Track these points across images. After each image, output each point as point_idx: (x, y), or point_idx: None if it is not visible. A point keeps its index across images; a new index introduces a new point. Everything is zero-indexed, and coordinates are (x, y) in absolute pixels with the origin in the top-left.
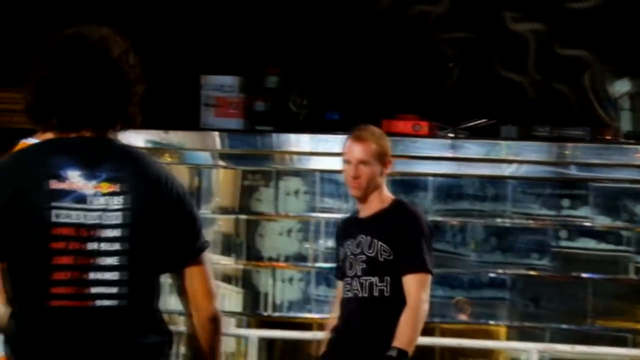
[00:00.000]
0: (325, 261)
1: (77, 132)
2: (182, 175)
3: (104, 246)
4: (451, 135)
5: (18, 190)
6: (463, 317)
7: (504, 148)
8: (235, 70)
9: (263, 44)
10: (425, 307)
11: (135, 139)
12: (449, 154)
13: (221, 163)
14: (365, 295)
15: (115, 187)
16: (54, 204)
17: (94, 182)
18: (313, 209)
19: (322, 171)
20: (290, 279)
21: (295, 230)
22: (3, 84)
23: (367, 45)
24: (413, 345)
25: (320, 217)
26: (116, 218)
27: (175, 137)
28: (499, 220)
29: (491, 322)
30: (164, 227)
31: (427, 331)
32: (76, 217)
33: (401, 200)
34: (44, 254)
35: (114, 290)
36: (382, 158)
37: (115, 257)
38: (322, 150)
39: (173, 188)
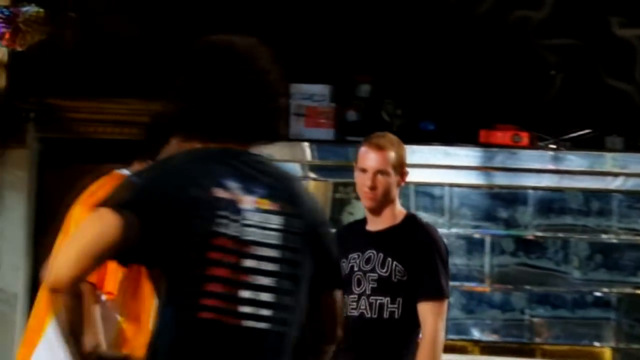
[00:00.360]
0: None
1: (223, 144)
2: None
3: (261, 265)
4: (553, 146)
5: (183, 194)
6: None
7: (609, 160)
8: (325, 79)
9: (354, 51)
10: (442, 336)
11: None
12: (551, 167)
13: (311, 175)
14: (374, 316)
15: (275, 206)
16: (217, 212)
17: (253, 197)
18: None
19: (416, 184)
20: None
21: None
22: (90, 94)
23: (464, 52)
24: None
25: None
26: (275, 238)
27: (263, 147)
28: (604, 236)
29: (596, 343)
30: (314, 253)
31: (528, 352)
32: (234, 229)
33: (414, 216)
34: (200, 263)
35: (266, 312)
36: (399, 168)
37: (271, 279)
38: (416, 162)
39: (321, 214)
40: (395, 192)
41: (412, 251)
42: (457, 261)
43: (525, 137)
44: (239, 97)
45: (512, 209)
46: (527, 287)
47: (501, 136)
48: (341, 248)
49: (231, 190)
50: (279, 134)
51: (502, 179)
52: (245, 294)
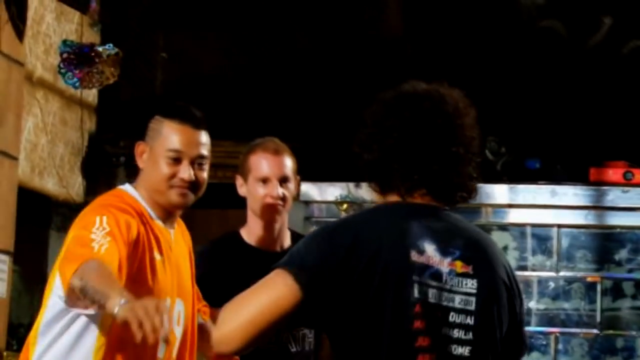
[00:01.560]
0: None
1: (419, 199)
2: None
3: (457, 333)
4: None
5: (374, 255)
6: None
7: None
8: None
9: (454, 84)
10: None
11: (324, 192)
12: None
13: None
14: (298, 349)
15: (469, 269)
16: (415, 278)
17: (448, 259)
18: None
19: (522, 225)
20: None
21: None
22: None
23: (572, 85)
24: None
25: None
26: (470, 303)
27: (366, 190)
28: None
29: None
30: (503, 319)
31: None
32: (433, 295)
33: (296, 232)
34: (407, 334)
35: None
36: (294, 176)
37: (467, 347)
38: (522, 202)
39: (514, 278)
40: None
41: None
42: (565, 305)
43: (638, 174)
44: (443, 154)
45: (623, 250)
46: (639, 332)
47: (612, 173)
48: (218, 271)
49: (427, 252)
50: (472, 195)
51: (613, 219)
52: None
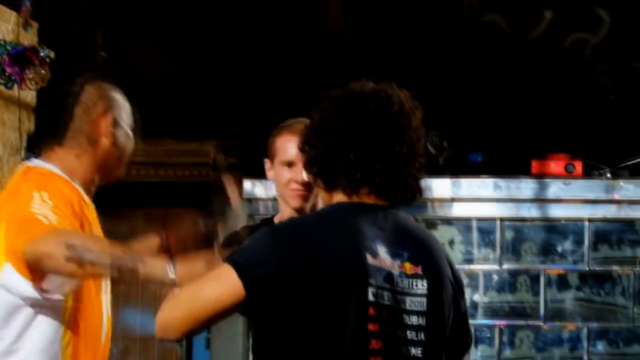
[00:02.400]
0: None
1: (365, 198)
2: None
3: (410, 334)
4: (609, 175)
5: (329, 259)
6: None
7: None
8: None
9: (397, 79)
10: None
11: (268, 189)
12: (607, 197)
13: None
14: None
15: (417, 270)
16: (370, 280)
17: (398, 261)
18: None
19: (466, 218)
20: None
21: None
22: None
23: (514, 78)
24: None
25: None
26: (420, 305)
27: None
28: None
29: None
30: (450, 316)
31: None
32: (387, 298)
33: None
34: (361, 336)
35: None
36: None
37: (420, 348)
38: (465, 196)
39: (457, 273)
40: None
41: None
42: (509, 298)
43: (579, 167)
44: (390, 154)
45: (566, 242)
46: (584, 323)
47: (554, 166)
48: None
49: (380, 255)
50: (418, 195)
51: (555, 210)
52: None
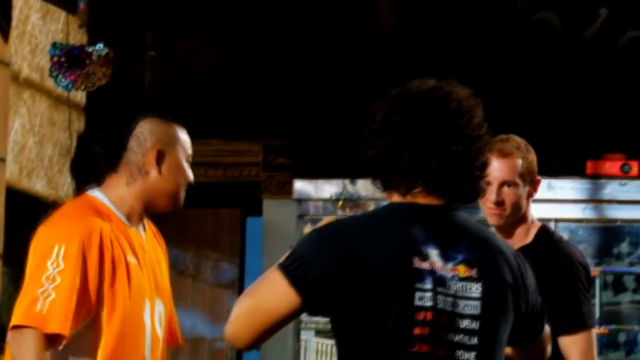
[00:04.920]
0: None
1: (422, 198)
2: None
3: (462, 339)
4: None
5: (375, 261)
6: None
7: None
8: None
9: (450, 78)
10: None
11: (319, 189)
12: None
13: None
14: None
15: (472, 272)
16: (417, 285)
17: (451, 265)
18: None
19: None
20: None
21: None
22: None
23: (568, 78)
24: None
25: None
26: (475, 308)
27: (362, 187)
28: None
29: None
30: (508, 320)
31: None
32: (438, 302)
33: (548, 231)
34: (405, 341)
35: None
36: (529, 176)
37: (473, 353)
38: None
39: (521, 275)
40: (526, 206)
41: (546, 276)
42: None
43: (635, 167)
44: (440, 149)
45: (621, 244)
46: None
47: (609, 166)
48: None
49: (430, 258)
50: (476, 197)
51: (610, 212)
52: None
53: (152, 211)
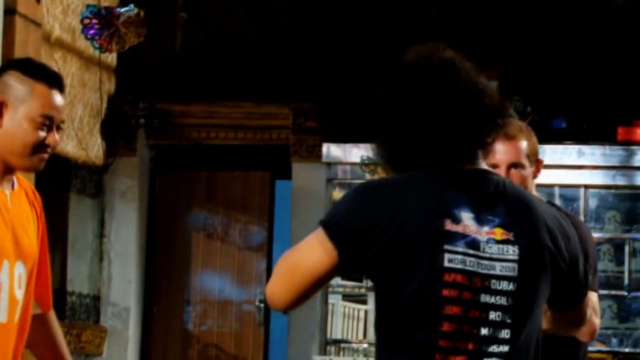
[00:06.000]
0: None
1: (451, 164)
2: None
3: (498, 300)
4: None
5: (405, 221)
6: None
7: None
8: None
9: (479, 44)
10: (594, 321)
11: (348, 153)
12: None
13: None
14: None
15: (509, 235)
16: (447, 246)
17: (486, 228)
18: None
19: (548, 185)
20: None
21: None
22: (202, 98)
23: (600, 44)
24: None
25: None
26: (511, 270)
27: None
28: None
29: None
30: (546, 283)
31: None
32: (470, 264)
33: (553, 205)
34: (434, 301)
35: (505, 349)
36: (533, 157)
37: (508, 314)
38: (548, 163)
39: (561, 237)
40: (532, 185)
41: None
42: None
43: None
44: (464, 115)
45: None
46: None
47: None
48: None
49: (463, 221)
50: (490, 149)
51: None
52: (484, 331)
53: (12, 168)
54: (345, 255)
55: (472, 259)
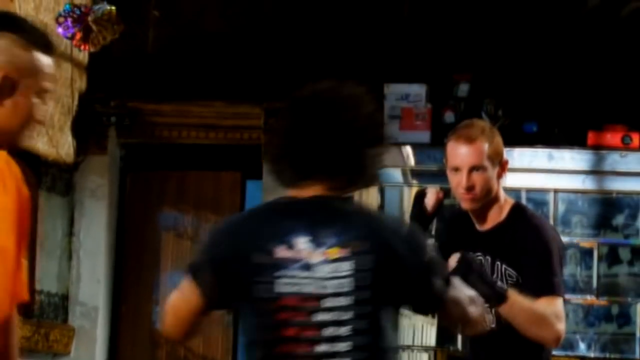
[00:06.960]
0: None
1: (309, 188)
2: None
3: (334, 316)
4: None
5: (244, 256)
6: None
7: None
8: (421, 78)
9: (452, 48)
10: (559, 328)
11: None
12: None
13: (412, 181)
14: (492, 325)
15: (344, 252)
16: (280, 273)
17: (322, 249)
18: None
19: (518, 189)
20: None
21: None
22: (173, 97)
23: (570, 48)
24: (514, 310)
25: None
26: (347, 285)
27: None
28: None
29: None
30: (396, 287)
31: None
32: (303, 286)
33: (521, 208)
34: (272, 327)
35: None
36: (497, 158)
37: (347, 327)
38: (518, 166)
39: (414, 248)
40: (497, 186)
41: (521, 252)
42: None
43: (636, 138)
44: (327, 141)
45: (621, 215)
46: (635, 298)
47: (610, 137)
48: (450, 244)
49: (297, 246)
50: (372, 181)
51: (611, 183)
52: (321, 348)
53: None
54: (207, 295)
55: (306, 280)
